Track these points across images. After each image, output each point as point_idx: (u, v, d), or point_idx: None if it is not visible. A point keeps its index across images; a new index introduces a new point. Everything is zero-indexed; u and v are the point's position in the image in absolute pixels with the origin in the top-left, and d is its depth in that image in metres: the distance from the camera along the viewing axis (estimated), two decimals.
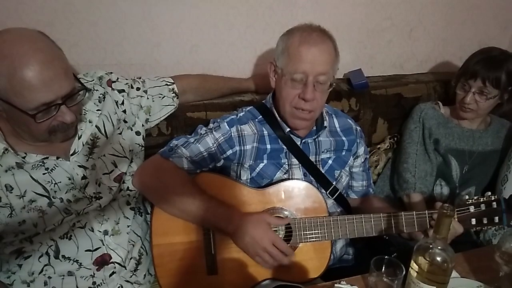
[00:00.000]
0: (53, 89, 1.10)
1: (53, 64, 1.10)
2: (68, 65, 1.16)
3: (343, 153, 1.54)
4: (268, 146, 1.44)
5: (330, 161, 1.51)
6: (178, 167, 1.37)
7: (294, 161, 1.46)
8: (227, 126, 1.43)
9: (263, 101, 1.53)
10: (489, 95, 1.64)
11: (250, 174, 1.43)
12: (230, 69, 1.81)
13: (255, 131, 1.45)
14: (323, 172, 1.49)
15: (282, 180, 1.41)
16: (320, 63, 1.32)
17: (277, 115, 1.46)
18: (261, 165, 1.43)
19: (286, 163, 1.45)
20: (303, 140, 1.48)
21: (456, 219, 1.30)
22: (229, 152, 1.42)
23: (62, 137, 1.21)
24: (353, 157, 1.57)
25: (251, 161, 1.43)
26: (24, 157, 1.20)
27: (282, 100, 1.39)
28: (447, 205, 0.99)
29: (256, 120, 1.47)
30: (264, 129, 1.46)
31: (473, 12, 2.14)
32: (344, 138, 1.54)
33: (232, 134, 1.42)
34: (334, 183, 1.50)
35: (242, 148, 1.42)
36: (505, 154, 1.77)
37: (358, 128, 1.61)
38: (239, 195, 1.37)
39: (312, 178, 1.47)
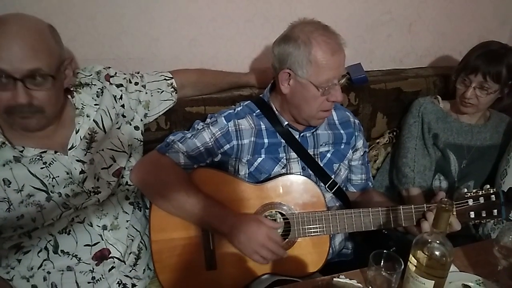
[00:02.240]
0: (12, 58, 1.08)
1: (25, 36, 1.10)
2: (44, 47, 1.14)
3: (342, 146, 1.54)
4: (266, 140, 1.44)
5: (328, 155, 1.51)
6: (175, 164, 1.36)
7: (293, 155, 1.46)
8: (224, 121, 1.42)
9: (260, 95, 1.53)
10: (490, 89, 1.64)
11: (248, 169, 1.43)
12: (229, 64, 1.81)
13: (253, 125, 1.44)
14: (321, 165, 1.49)
15: (280, 175, 1.40)
16: (344, 63, 1.36)
17: (275, 109, 1.46)
18: (259, 159, 1.43)
19: (284, 157, 1.45)
20: (302, 134, 1.48)
21: (455, 213, 1.30)
22: (227, 146, 1.42)
23: (20, 124, 1.16)
24: (352, 150, 1.57)
25: (249, 156, 1.43)
26: (21, 151, 1.19)
27: (308, 106, 1.37)
28: (445, 199, 0.99)
29: (254, 114, 1.47)
30: (261, 123, 1.46)
31: (472, 7, 2.14)
32: (342, 131, 1.54)
33: (230, 128, 1.42)
34: (332, 176, 1.50)
35: (240, 143, 1.42)
36: (504, 149, 1.77)
37: (357, 121, 1.61)
38: (237, 191, 1.37)
39: (310, 172, 1.47)
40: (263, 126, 1.45)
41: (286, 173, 1.42)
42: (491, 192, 1.29)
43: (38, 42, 1.13)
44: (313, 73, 1.32)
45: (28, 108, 1.13)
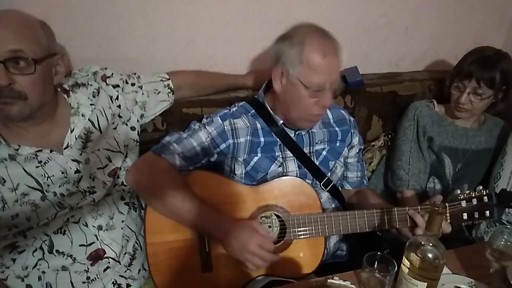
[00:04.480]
0: None
1: (10, 21, 1.12)
2: (28, 33, 1.15)
3: (337, 144, 1.55)
4: (262, 139, 1.45)
5: (324, 152, 1.52)
6: (171, 167, 1.35)
7: (288, 153, 1.47)
8: (220, 120, 1.43)
9: (255, 96, 1.54)
10: (484, 95, 1.65)
11: (245, 168, 1.43)
12: (226, 65, 1.81)
13: (248, 124, 1.45)
14: (317, 163, 1.49)
15: (276, 177, 1.41)
16: (338, 70, 1.36)
17: (269, 109, 1.46)
18: (255, 158, 1.44)
19: (280, 156, 1.46)
20: (297, 132, 1.48)
21: (448, 215, 1.31)
22: (223, 146, 1.42)
23: (2, 110, 1.15)
24: (347, 147, 1.58)
25: (245, 155, 1.43)
26: (17, 149, 1.20)
27: (296, 107, 1.38)
28: (438, 202, 1.00)
29: (249, 114, 1.48)
30: (257, 122, 1.47)
31: (468, 11, 2.15)
32: (337, 129, 1.55)
33: (225, 127, 1.42)
34: (328, 174, 1.51)
35: (236, 141, 1.42)
36: (498, 152, 1.78)
37: (352, 118, 1.62)
38: (232, 193, 1.37)
39: (306, 171, 1.48)
40: (258, 126, 1.46)
41: (282, 175, 1.43)
42: (484, 193, 1.31)
43: (22, 27, 1.14)
44: (304, 73, 1.32)
45: (9, 92, 1.12)
